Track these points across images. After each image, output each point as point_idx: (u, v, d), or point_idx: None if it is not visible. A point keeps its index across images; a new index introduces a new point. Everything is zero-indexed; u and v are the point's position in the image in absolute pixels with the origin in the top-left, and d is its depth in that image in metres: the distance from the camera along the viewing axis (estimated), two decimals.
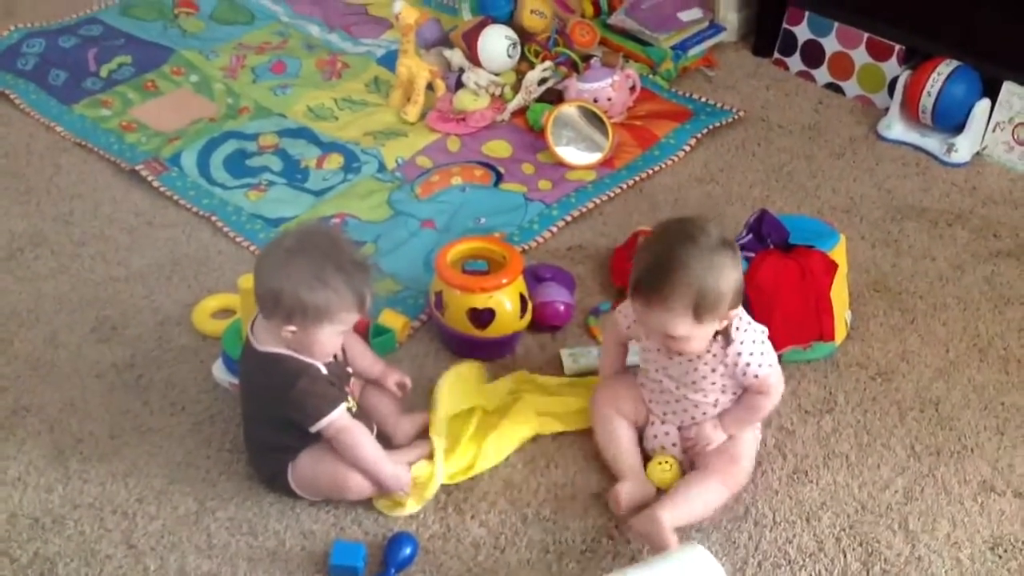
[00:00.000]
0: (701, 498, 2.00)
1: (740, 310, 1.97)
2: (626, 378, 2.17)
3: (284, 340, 1.91)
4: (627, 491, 2.00)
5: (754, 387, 2.00)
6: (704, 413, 2.05)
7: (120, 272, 2.58)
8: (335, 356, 2.01)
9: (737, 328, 1.96)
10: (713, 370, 1.99)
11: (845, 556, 1.97)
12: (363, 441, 1.96)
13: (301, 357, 1.93)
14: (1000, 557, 1.97)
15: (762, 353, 1.98)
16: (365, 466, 1.96)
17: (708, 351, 1.97)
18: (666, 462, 2.07)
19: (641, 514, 1.96)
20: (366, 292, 1.92)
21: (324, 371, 1.95)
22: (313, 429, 1.93)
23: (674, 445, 2.09)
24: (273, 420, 1.96)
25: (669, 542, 1.89)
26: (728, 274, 1.88)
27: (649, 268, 1.87)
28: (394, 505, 2.02)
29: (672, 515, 1.94)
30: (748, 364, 1.96)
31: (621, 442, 2.09)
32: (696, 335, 1.91)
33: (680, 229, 1.91)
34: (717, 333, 1.96)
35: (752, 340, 1.97)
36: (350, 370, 2.07)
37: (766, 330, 2.01)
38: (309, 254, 1.88)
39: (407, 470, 2.01)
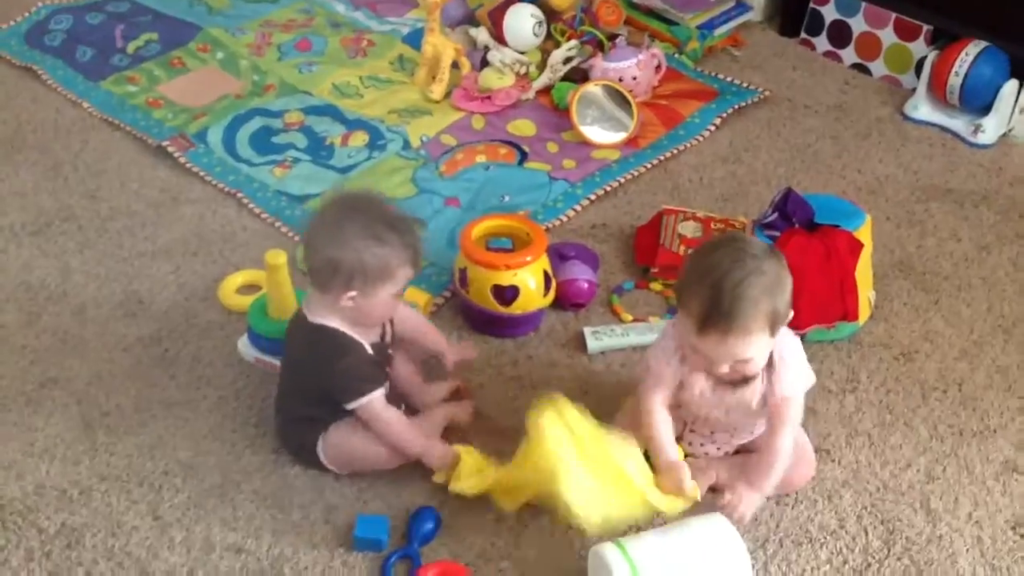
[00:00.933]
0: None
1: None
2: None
3: (341, 311, 1.93)
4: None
5: (776, 408, 1.90)
6: (751, 431, 2.01)
7: (147, 247, 2.60)
8: (382, 337, 2.03)
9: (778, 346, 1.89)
10: (763, 394, 1.92)
11: (867, 534, 1.97)
12: (393, 427, 1.98)
13: (351, 333, 1.95)
14: (1022, 537, 1.98)
15: (797, 372, 1.90)
16: (396, 445, 1.99)
17: (759, 379, 1.90)
18: None
19: (696, 463, 2.01)
20: (418, 247, 1.94)
21: (370, 351, 1.98)
22: (349, 407, 1.95)
23: (708, 455, 2.06)
24: (310, 392, 1.98)
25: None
26: (787, 281, 1.83)
27: (717, 299, 1.75)
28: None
29: (719, 477, 1.99)
30: (779, 384, 1.89)
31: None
32: (765, 351, 1.85)
33: (728, 250, 1.81)
34: None
35: (791, 355, 1.90)
36: (390, 351, 2.08)
37: (799, 341, 1.95)
38: (359, 217, 1.90)
39: (439, 444, 2.02)
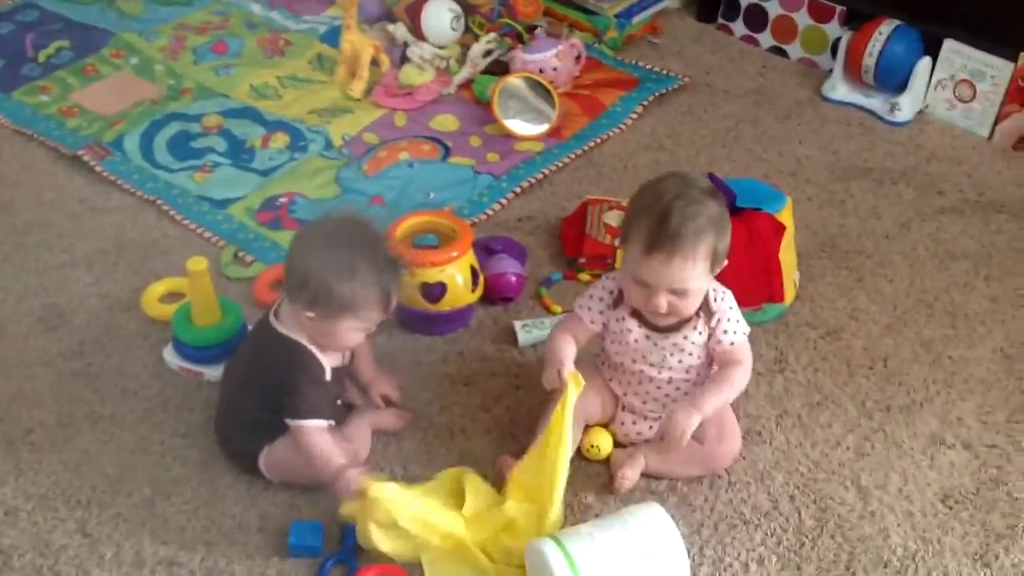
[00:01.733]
0: (681, 465, 2.03)
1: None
2: (586, 370, 2.06)
3: (303, 326, 1.91)
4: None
5: (727, 355, 1.97)
6: (686, 394, 2.03)
7: (65, 259, 2.55)
8: (343, 358, 2.01)
9: (715, 299, 1.95)
10: (693, 343, 1.97)
11: (799, 514, 1.99)
12: (316, 452, 1.92)
13: (316, 353, 1.93)
14: (951, 508, 2.01)
15: (737, 320, 1.97)
16: (312, 466, 1.93)
17: (693, 327, 1.95)
18: (594, 446, 2.07)
19: (624, 451, 2.06)
20: (393, 291, 1.92)
21: (329, 376, 1.95)
22: (287, 421, 1.93)
23: (640, 435, 2.08)
24: (268, 397, 1.94)
25: (626, 479, 2.00)
26: (728, 222, 1.90)
27: (666, 220, 1.81)
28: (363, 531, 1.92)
29: (647, 464, 2.03)
30: (725, 331, 1.95)
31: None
32: (700, 290, 1.90)
33: (675, 181, 1.89)
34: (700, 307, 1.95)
35: (729, 307, 1.96)
36: (346, 376, 2.07)
37: (731, 292, 2.00)
38: (346, 243, 1.88)
39: (352, 472, 1.89)
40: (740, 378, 1.98)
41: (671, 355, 1.98)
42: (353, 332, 1.93)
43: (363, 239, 1.91)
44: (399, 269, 1.94)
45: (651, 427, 2.07)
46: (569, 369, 1.92)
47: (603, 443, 2.08)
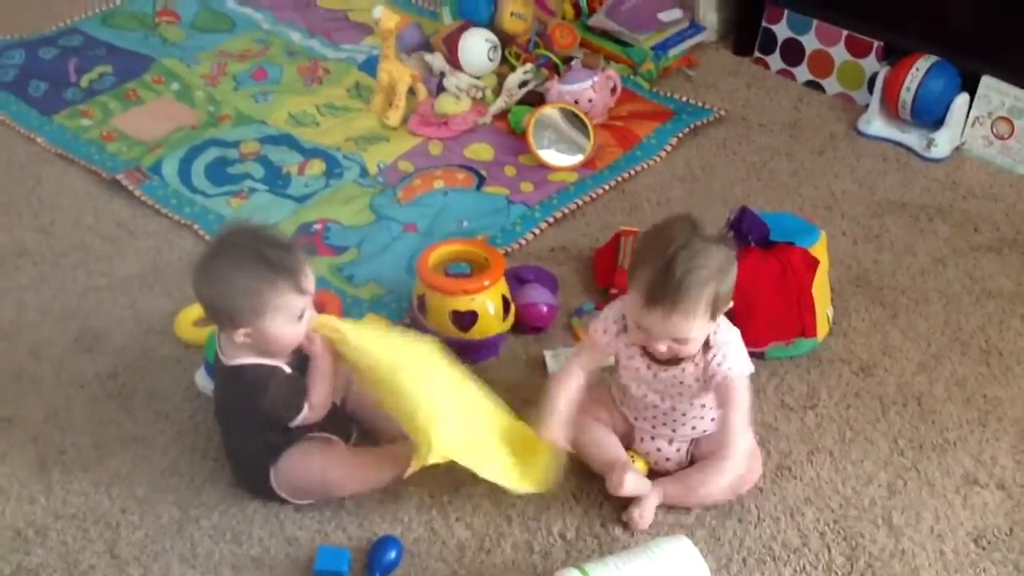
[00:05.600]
0: (702, 489, 2.01)
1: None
2: (599, 392, 2.13)
3: (245, 346, 1.92)
4: (631, 479, 1.98)
5: (719, 389, 1.94)
6: (699, 418, 2.03)
7: (102, 282, 2.58)
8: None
9: (715, 332, 1.94)
10: (697, 379, 1.97)
11: (829, 551, 1.97)
12: (323, 389, 1.97)
13: (264, 362, 1.93)
14: (984, 549, 1.98)
15: (735, 355, 1.94)
16: (327, 393, 1.99)
17: (692, 361, 1.95)
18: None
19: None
20: (298, 272, 1.89)
21: (287, 370, 1.96)
22: (295, 424, 1.95)
23: (668, 460, 2.08)
24: (251, 425, 1.97)
25: (643, 517, 1.98)
26: (733, 268, 1.89)
27: (667, 278, 1.81)
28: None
29: (666, 493, 2.02)
30: (719, 363, 1.93)
31: (610, 447, 2.05)
32: (703, 334, 1.91)
33: (678, 231, 1.86)
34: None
35: (726, 341, 1.95)
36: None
37: (738, 332, 1.99)
38: (227, 254, 1.89)
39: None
40: (737, 425, 1.91)
41: (673, 387, 1.99)
42: (287, 327, 1.90)
43: (242, 241, 1.91)
44: (291, 248, 1.92)
45: (670, 442, 2.07)
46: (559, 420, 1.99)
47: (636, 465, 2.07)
